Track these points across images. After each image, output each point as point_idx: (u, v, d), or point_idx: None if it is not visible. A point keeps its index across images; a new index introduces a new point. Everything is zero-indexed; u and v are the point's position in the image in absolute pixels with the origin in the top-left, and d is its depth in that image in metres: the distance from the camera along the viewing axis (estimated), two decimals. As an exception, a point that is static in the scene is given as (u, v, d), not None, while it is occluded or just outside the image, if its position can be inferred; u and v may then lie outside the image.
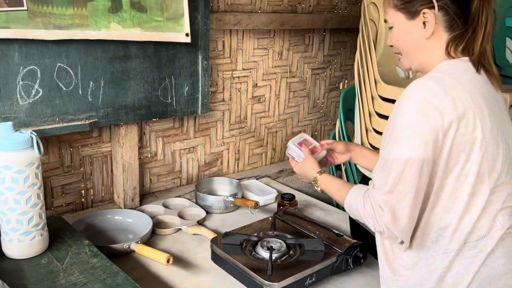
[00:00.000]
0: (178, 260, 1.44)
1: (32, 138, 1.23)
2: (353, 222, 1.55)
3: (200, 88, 1.82)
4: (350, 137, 2.10)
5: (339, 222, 1.75)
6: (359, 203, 1.08)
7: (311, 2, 2.22)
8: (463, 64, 1.06)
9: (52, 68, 1.45)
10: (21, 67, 1.40)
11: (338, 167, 2.17)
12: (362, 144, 1.90)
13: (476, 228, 1.02)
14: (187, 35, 1.67)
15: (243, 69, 2.08)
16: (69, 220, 1.53)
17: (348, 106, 2.13)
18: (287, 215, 1.61)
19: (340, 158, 1.42)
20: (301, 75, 2.31)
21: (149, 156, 1.89)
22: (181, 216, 1.71)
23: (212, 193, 1.93)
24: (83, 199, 1.76)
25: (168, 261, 1.32)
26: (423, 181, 1.00)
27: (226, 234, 1.43)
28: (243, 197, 1.89)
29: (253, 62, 2.11)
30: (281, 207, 1.74)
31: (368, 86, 1.87)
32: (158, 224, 1.65)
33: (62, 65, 1.47)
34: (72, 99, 1.51)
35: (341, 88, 2.51)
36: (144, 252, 1.39)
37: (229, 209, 1.80)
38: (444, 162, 1.00)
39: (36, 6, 1.36)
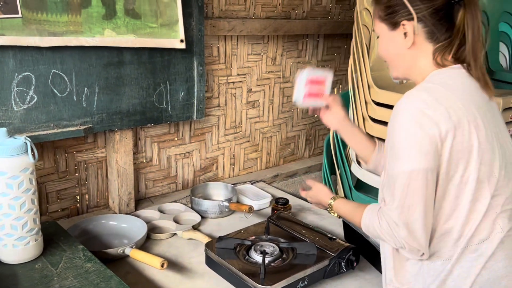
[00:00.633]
0: (173, 265, 1.45)
1: (26, 144, 1.24)
2: (347, 226, 1.56)
3: (195, 94, 1.84)
4: (344, 142, 2.10)
5: (333, 226, 1.76)
6: (375, 223, 1.07)
7: (304, 8, 2.24)
8: (454, 72, 1.08)
9: (46, 75, 1.46)
10: (16, 74, 1.41)
11: (333, 172, 2.18)
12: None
13: (477, 232, 1.03)
14: (181, 41, 1.68)
15: (238, 75, 2.09)
16: (64, 225, 1.53)
17: (342, 110, 2.13)
18: (280, 220, 1.62)
19: (331, 122, 1.41)
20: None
21: (144, 161, 1.90)
22: (176, 221, 1.72)
23: (207, 198, 1.94)
24: (78, 205, 1.76)
25: (162, 266, 1.32)
26: (430, 190, 1.01)
27: (220, 239, 1.44)
28: (238, 201, 1.90)
29: (248, 68, 2.12)
30: (275, 212, 1.75)
31: (362, 91, 1.89)
32: (153, 229, 1.65)
33: (57, 72, 1.48)
34: (66, 105, 1.52)
35: (335, 93, 2.52)
36: (138, 257, 1.39)
37: (224, 213, 1.81)
38: (444, 170, 1.01)
39: (30, 13, 1.38)
